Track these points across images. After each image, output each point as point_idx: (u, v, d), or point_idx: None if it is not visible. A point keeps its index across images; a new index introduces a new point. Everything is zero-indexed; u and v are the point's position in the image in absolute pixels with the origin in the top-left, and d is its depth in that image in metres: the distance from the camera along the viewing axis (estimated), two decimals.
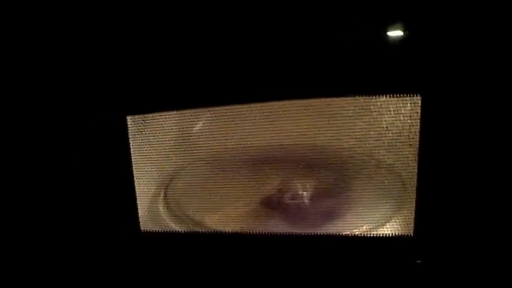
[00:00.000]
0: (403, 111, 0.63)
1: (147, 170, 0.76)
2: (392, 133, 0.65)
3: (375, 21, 0.62)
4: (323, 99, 0.65)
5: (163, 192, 0.80)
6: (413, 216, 0.65)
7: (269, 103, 0.67)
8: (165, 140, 0.74)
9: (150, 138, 0.74)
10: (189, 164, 0.77)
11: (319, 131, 0.67)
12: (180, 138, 0.74)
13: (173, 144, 0.74)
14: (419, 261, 0.67)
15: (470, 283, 0.66)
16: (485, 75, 0.59)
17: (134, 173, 0.74)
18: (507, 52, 0.58)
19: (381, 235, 0.68)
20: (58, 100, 0.73)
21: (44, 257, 0.80)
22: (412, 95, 0.62)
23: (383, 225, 0.69)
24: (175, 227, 0.77)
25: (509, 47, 0.58)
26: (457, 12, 0.59)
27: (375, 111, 0.64)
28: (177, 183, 0.79)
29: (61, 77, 0.73)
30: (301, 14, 0.63)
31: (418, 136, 0.62)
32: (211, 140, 0.73)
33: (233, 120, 0.70)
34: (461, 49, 0.60)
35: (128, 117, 0.72)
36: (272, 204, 0.74)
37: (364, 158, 0.68)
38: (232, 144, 0.73)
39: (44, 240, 0.80)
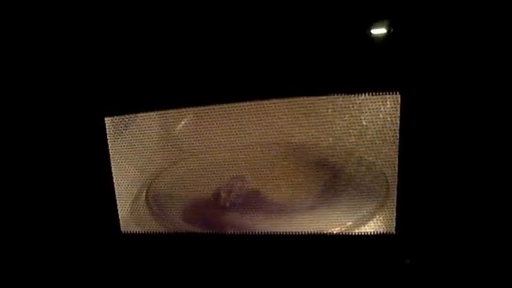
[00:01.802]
0: (382, 109, 0.63)
1: (127, 171, 0.75)
2: (372, 131, 0.64)
3: (354, 20, 0.61)
4: (303, 98, 0.65)
5: (144, 193, 0.79)
6: (395, 214, 0.65)
7: (249, 102, 0.66)
8: (145, 141, 0.73)
9: (130, 139, 0.73)
10: (170, 165, 0.77)
11: (299, 129, 0.67)
12: (161, 139, 0.74)
13: (153, 145, 0.74)
14: (407, 261, 0.67)
15: (452, 281, 0.66)
16: (464, 73, 0.59)
17: (113, 174, 0.73)
18: (486, 51, 0.58)
19: (363, 233, 0.68)
20: (34, 100, 0.72)
21: (21, 260, 0.79)
22: (391, 93, 0.61)
23: (364, 223, 0.69)
24: (157, 228, 0.76)
25: (488, 46, 0.58)
26: (436, 10, 0.59)
27: (355, 109, 0.64)
28: (158, 184, 0.79)
29: (37, 77, 0.71)
30: (279, 13, 0.62)
31: (398, 134, 0.62)
32: (193, 140, 0.73)
33: (213, 120, 0.70)
34: (440, 47, 0.59)
35: (106, 118, 0.71)
36: (254, 203, 0.74)
37: (344, 156, 0.68)
38: (213, 144, 0.72)
39: (21, 242, 0.79)
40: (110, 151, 0.72)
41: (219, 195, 0.75)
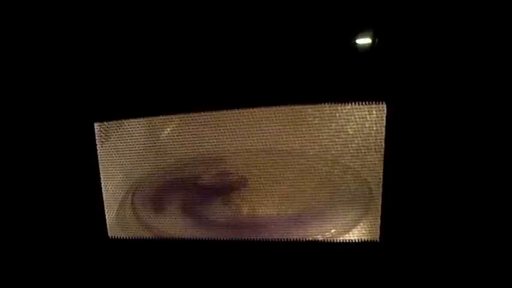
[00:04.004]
0: (368, 119, 0.64)
1: (114, 175, 0.75)
2: (358, 140, 0.65)
3: (341, 30, 0.62)
4: (290, 106, 0.66)
5: (130, 199, 0.79)
6: (379, 222, 0.66)
7: (237, 110, 0.67)
8: (133, 147, 0.74)
9: (118, 144, 0.73)
10: (156, 170, 0.77)
11: (286, 137, 0.67)
12: (148, 145, 0.74)
13: (141, 150, 0.74)
14: None
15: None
16: (448, 84, 0.60)
17: (102, 179, 0.73)
18: (470, 62, 0.59)
19: (347, 241, 0.68)
20: (24, 105, 0.72)
21: (7, 264, 0.79)
22: (377, 103, 0.62)
23: (349, 231, 0.69)
24: (143, 233, 0.76)
25: (472, 57, 0.59)
26: (421, 21, 0.60)
27: (342, 118, 0.65)
28: (144, 189, 0.79)
29: (27, 83, 0.71)
30: (267, 23, 0.63)
31: (383, 143, 0.63)
32: (179, 146, 0.73)
33: (200, 127, 0.70)
34: (425, 58, 0.60)
35: (96, 124, 0.71)
36: (238, 210, 0.74)
37: (330, 164, 0.69)
38: (199, 151, 0.72)
39: (7, 247, 0.79)
40: (98, 156, 0.72)
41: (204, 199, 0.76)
